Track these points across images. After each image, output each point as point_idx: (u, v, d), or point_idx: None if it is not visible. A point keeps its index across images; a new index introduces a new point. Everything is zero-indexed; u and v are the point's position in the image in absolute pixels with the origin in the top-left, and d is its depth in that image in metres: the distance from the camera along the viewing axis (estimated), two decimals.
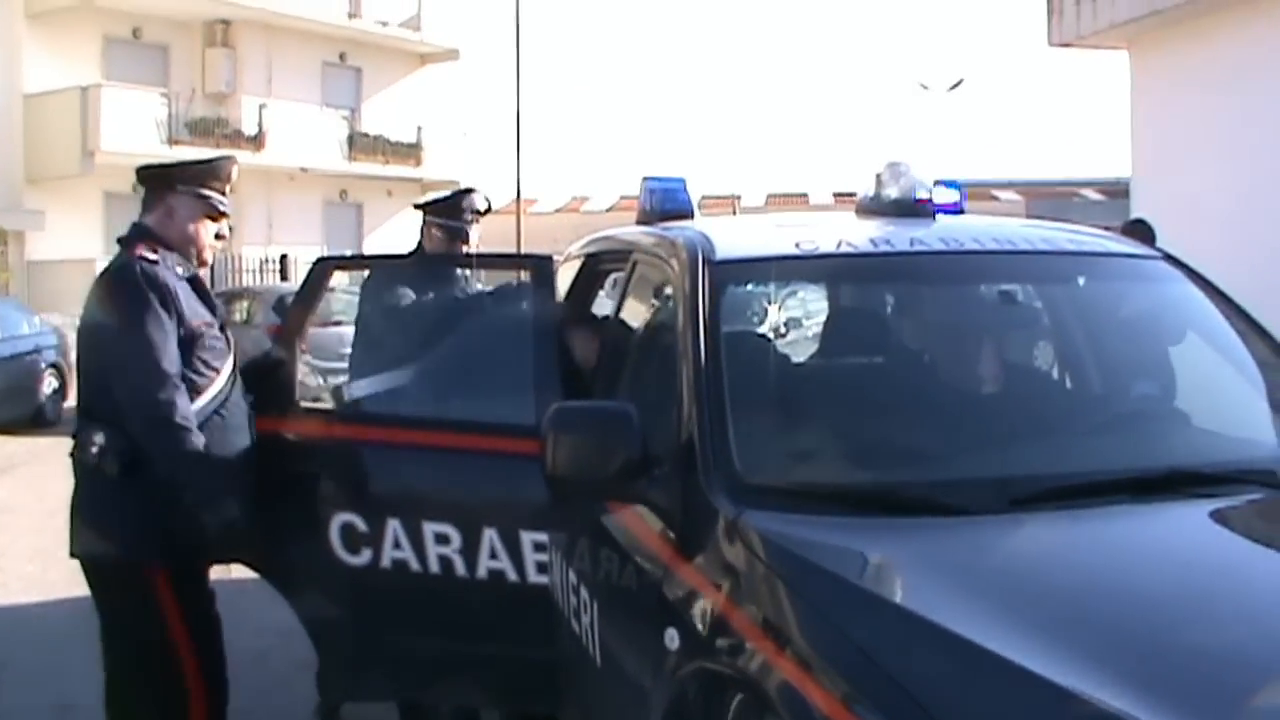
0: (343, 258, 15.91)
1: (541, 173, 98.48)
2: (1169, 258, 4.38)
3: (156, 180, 4.73)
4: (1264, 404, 4.06)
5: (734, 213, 7.20)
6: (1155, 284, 4.31)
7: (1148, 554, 3.11)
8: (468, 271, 5.94)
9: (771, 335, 4.13)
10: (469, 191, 6.08)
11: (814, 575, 3.00)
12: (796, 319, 4.38)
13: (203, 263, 4.77)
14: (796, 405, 3.80)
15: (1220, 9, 12.25)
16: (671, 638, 3.22)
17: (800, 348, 4.19)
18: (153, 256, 4.53)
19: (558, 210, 51.39)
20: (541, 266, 4.74)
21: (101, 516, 4.50)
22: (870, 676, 2.61)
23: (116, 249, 4.62)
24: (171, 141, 32.23)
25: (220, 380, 4.63)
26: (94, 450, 4.39)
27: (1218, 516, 3.29)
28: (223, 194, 4.75)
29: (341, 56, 37.04)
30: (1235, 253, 10.39)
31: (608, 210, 48.11)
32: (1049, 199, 46.07)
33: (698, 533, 3.34)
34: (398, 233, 37.28)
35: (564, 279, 5.85)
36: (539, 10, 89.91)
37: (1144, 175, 13.87)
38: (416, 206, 6.17)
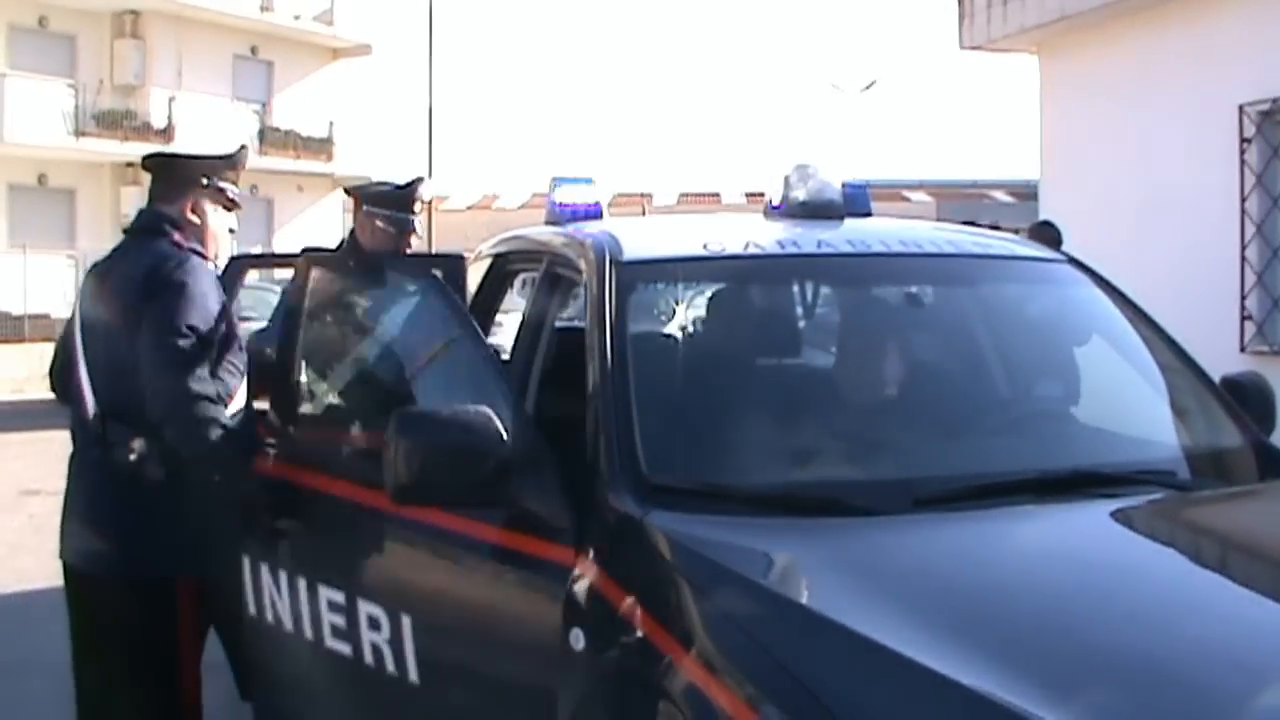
0: (258, 256, 15.75)
1: (453, 169, 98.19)
2: (1074, 261, 4.44)
3: (176, 171, 4.53)
4: (1165, 406, 4.14)
5: (643, 212, 7.17)
6: (1060, 287, 4.37)
7: (1049, 554, 3.15)
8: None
9: (679, 336, 4.12)
10: (419, 180, 5.81)
11: (719, 576, 3.01)
12: (704, 319, 4.38)
13: (215, 256, 4.63)
14: (703, 406, 3.79)
15: (1128, 14, 12.38)
16: (577, 638, 3.20)
17: (708, 349, 4.19)
18: (202, 250, 4.41)
19: (470, 207, 51.34)
20: (454, 266, 4.61)
21: (137, 524, 4.19)
22: (775, 678, 2.62)
23: (114, 238, 4.44)
24: (79, 133, 31.81)
25: (243, 384, 4.43)
26: (132, 456, 4.14)
27: (1119, 516, 3.33)
28: (235, 184, 4.62)
29: (253, 50, 36.64)
30: (1143, 256, 10.52)
31: (520, 208, 48.07)
32: (959, 200, 46.56)
33: (603, 534, 3.33)
34: (309, 228, 37.03)
35: (473, 278, 5.86)
36: (452, 6, 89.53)
37: (1052, 178, 14.01)
38: (351, 192, 5.84)
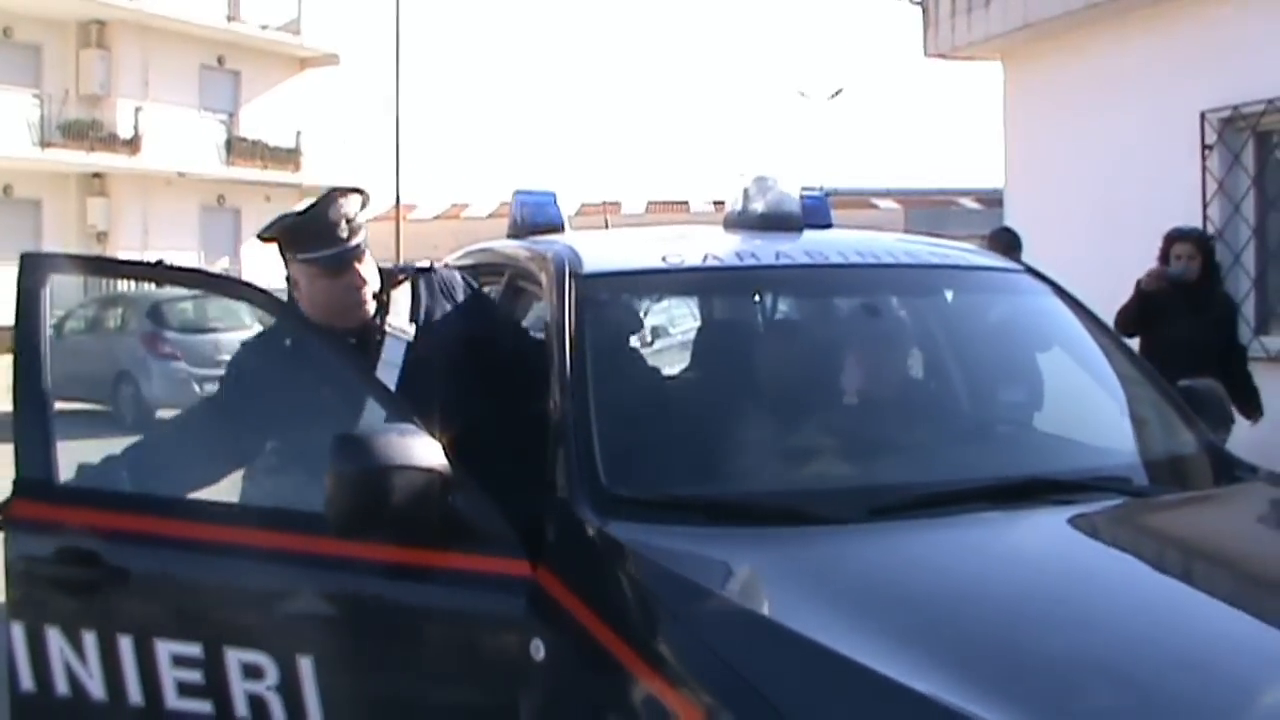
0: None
1: (421, 179, 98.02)
2: (1031, 270, 4.49)
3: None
4: (1122, 413, 4.20)
5: (606, 224, 7.12)
6: (1017, 296, 4.42)
7: (1004, 560, 3.20)
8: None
9: (639, 348, 4.16)
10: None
11: (678, 587, 3.04)
12: (664, 331, 4.42)
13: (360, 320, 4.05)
14: (663, 418, 3.85)
15: (1092, 22, 12.44)
16: (537, 648, 3.22)
17: (668, 360, 4.23)
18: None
19: (437, 217, 51.26)
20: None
21: None
22: (733, 688, 2.65)
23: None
24: (44, 144, 31.74)
25: None
26: None
27: (1075, 523, 3.39)
28: (341, 240, 4.00)
29: (220, 60, 36.58)
30: (1107, 263, 10.55)
31: (488, 217, 48.02)
32: (927, 208, 46.73)
33: (563, 544, 3.37)
34: None
35: None
36: (419, 16, 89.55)
37: (1017, 185, 14.07)
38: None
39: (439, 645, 3.52)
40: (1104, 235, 11.77)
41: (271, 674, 3.50)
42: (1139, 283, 8.50)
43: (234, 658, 3.53)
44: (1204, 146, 11.49)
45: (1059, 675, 2.63)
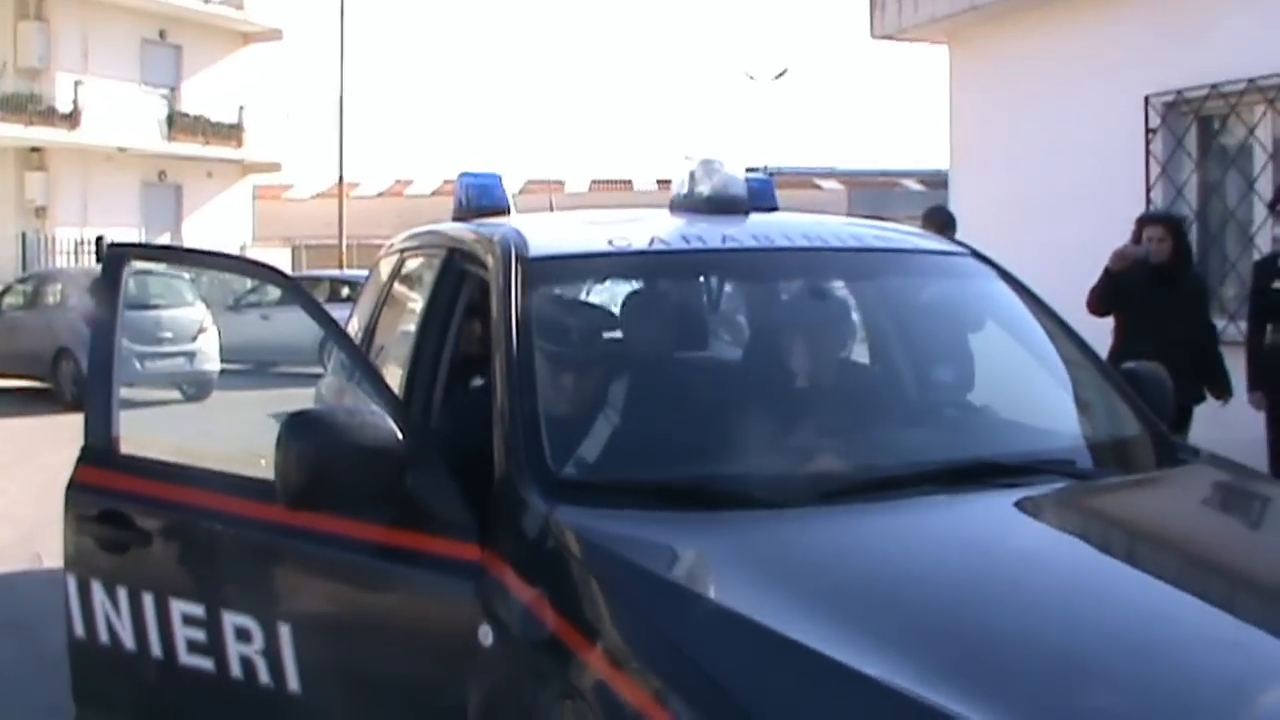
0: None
1: (364, 156, 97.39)
2: (975, 254, 4.52)
3: None
4: (1066, 396, 4.23)
5: (550, 206, 7.07)
6: (962, 280, 4.45)
7: (952, 544, 3.22)
8: None
9: (584, 331, 4.14)
10: None
11: (626, 571, 3.04)
12: (609, 315, 4.39)
13: None
14: (610, 401, 3.83)
15: (1038, 6, 12.51)
16: (485, 634, 3.22)
17: (613, 344, 4.22)
18: None
19: (381, 194, 51.03)
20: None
21: None
22: (683, 672, 2.66)
23: None
24: None
25: None
26: None
27: (1021, 506, 3.41)
28: None
29: (161, 33, 36.12)
30: (1051, 245, 10.65)
31: (432, 194, 47.84)
32: (871, 189, 46.87)
33: (510, 529, 3.36)
34: (218, 215, 36.68)
35: (383, 272, 5.87)
36: None
37: (962, 168, 14.11)
38: None
39: (395, 625, 3.59)
40: (1048, 218, 11.83)
41: (258, 638, 3.77)
42: (1107, 264, 8.55)
43: (229, 621, 3.84)
44: (1148, 130, 11.58)
45: (1011, 658, 2.65)
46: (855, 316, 4.46)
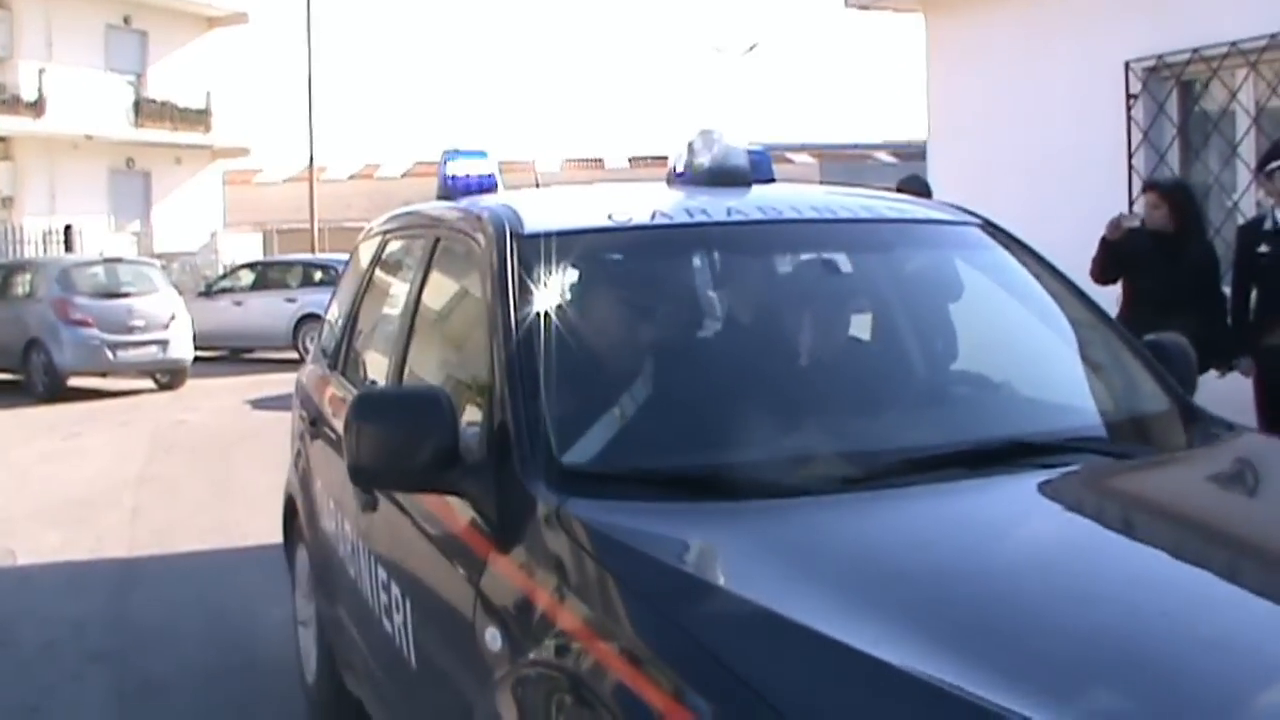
0: None
1: (333, 139, 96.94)
2: (988, 224, 4.32)
3: None
4: (1093, 371, 4.03)
5: (536, 183, 6.91)
6: (978, 251, 4.23)
7: (991, 532, 3.01)
8: None
9: (586, 311, 3.87)
10: None
11: (644, 566, 2.83)
12: (613, 293, 4.18)
13: None
14: (617, 385, 3.59)
15: None
16: (494, 638, 3.02)
17: (619, 324, 4.01)
18: None
19: (351, 177, 50.72)
20: None
21: None
22: (715, 677, 2.42)
23: None
24: None
25: None
26: None
27: (1058, 489, 3.21)
28: None
29: (126, 19, 35.71)
30: (1031, 214, 10.40)
31: (402, 176, 47.64)
32: (842, 162, 46.75)
33: (517, 525, 3.14)
34: (187, 201, 36.39)
35: (364, 256, 5.64)
36: None
37: (940, 138, 13.94)
38: None
39: (436, 613, 3.58)
40: (1028, 186, 11.69)
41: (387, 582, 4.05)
42: (1104, 233, 8.44)
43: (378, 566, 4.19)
44: (1129, 96, 11.45)
45: (1071, 654, 2.41)
46: (869, 291, 4.23)
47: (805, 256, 4.25)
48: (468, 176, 4.72)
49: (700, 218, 3.98)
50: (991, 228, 4.30)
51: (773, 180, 4.54)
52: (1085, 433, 3.56)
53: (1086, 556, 2.88)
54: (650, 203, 4.04)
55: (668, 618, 2.64)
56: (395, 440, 3.29)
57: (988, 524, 3.04)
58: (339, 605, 4.99)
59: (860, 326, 4.07)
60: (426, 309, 4.43)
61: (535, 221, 3.87)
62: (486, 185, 4.69)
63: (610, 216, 3.93)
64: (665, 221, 3.95)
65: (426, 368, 4.31)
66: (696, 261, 4.22)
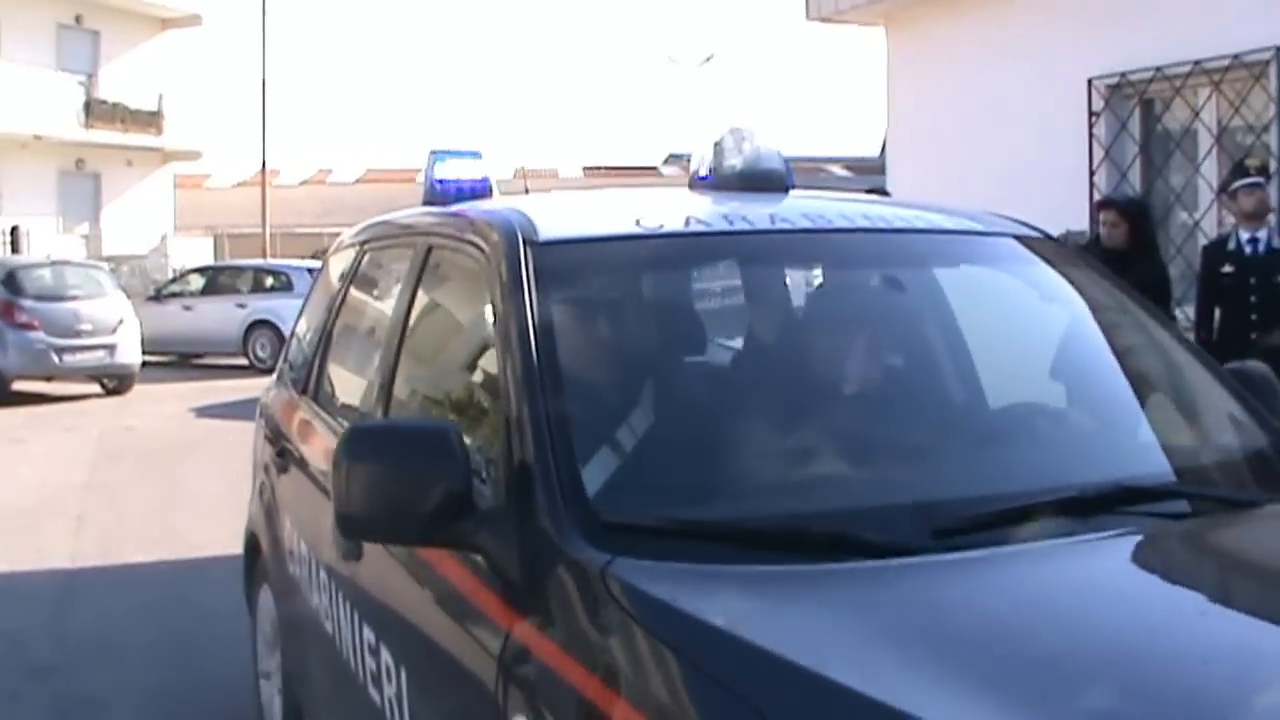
0: None
1: (285, 144, 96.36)
2: (1048, 237, 3.87)
3: None
4: (1167, 401, 3.52)
5: (526, 190, 6.36)
6: (1051, 267, 3.72)
7: (1135, 604, 2.50)
8: None
9: (619, 330, 3.40)
10: None
11: (719, 648, 2.26)
12: (648, 311, 3.72)
13: None
14: (661, 419, 3.04)
15: None
16: None
17: (656, 347, 3.47)
18: None
19: (303, 183, 50.24)
20: None
21: None
22: None
23: None
24: None
25: None
26: None
27: (1188, 544, 2.78)
28: None
29: (77, 18, 35.06)
30: None
31: (354, 182, 47.29)
32: (798, 174, 46.69)
33: (547, 588, 2.57)
34: (137, 204, 36.00)
35: (337, 269, 5.07)
36: None
37: (899, 152, 13.84)
38: None
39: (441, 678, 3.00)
40: (989, 201, 11.54)
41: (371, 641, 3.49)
42: None
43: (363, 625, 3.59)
44: (1091, 113, 11.36)
45: None
46: (938, 311, 3.72)
47: (864, 270, 3.73)
48: (459, 180, 4.29)
49: (741, 225, 3.42)
50: (1048, 239, 3.85)
51: (793, 187, 3.95)
52: (1189, 475, 3.06)
53: (1241, 635, 2.40)
54: (679, 208, 3.52)
55: (753, 710, 2.10)
56: (396, 484, 2.72)
57: (1130, 596, 2.54)
58: (310, 661, 4.37)
59: (928, 352, 3.63)
60: (417, 328, 3.87)
61: (551, 227, 3.33)
62: (480, 190, 4.26)
63: (639, 222, 3.38)
64: (703, 229, 3.40)
65: (418, 395, 3.78)
66: (742, 274, 3.72)
